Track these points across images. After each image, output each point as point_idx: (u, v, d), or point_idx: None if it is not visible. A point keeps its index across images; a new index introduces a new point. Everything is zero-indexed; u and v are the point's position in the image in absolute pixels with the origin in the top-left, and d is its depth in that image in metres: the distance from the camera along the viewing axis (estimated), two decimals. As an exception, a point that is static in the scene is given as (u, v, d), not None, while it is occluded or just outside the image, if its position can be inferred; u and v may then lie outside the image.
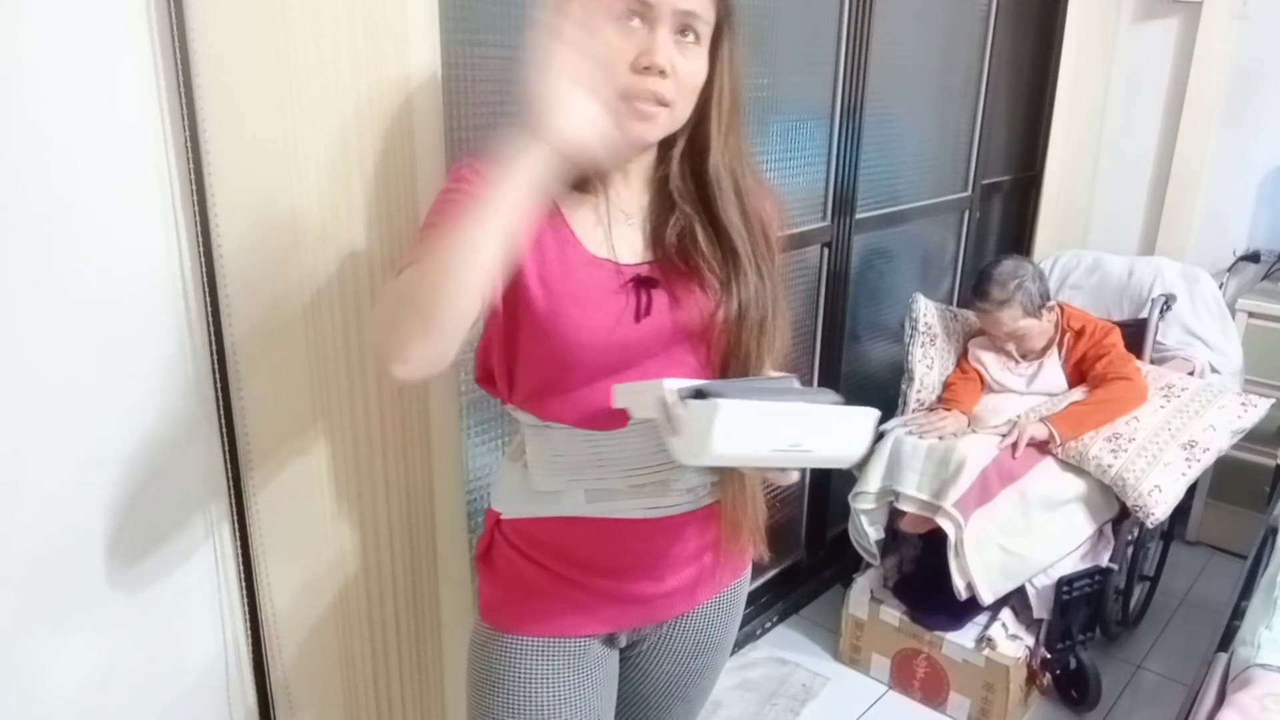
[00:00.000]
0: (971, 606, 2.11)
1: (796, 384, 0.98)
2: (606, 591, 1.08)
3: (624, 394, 0.97)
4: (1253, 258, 3.00)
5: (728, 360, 1.05)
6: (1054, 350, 2.31)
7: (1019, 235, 3.17)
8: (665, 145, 1.03)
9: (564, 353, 0.98)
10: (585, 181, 1.00)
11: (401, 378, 0.87)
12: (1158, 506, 2.02)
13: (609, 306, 0.99)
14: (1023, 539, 2.06)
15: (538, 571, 1.08)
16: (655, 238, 1.04)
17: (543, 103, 0.81)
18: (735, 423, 0.81)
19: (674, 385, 0.87)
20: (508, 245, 0.84)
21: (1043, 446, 2.12)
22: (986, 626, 2.15)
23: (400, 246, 1.19)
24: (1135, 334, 2.49)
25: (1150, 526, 2.13)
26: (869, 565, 2.32)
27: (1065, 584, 2.06)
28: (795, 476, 1.03)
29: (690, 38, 0.95)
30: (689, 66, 0.96)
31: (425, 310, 0.84)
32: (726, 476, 1.08)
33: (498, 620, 1.09)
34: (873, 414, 0.90)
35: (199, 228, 1.06)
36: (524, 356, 1.02)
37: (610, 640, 1.13)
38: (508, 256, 0.84)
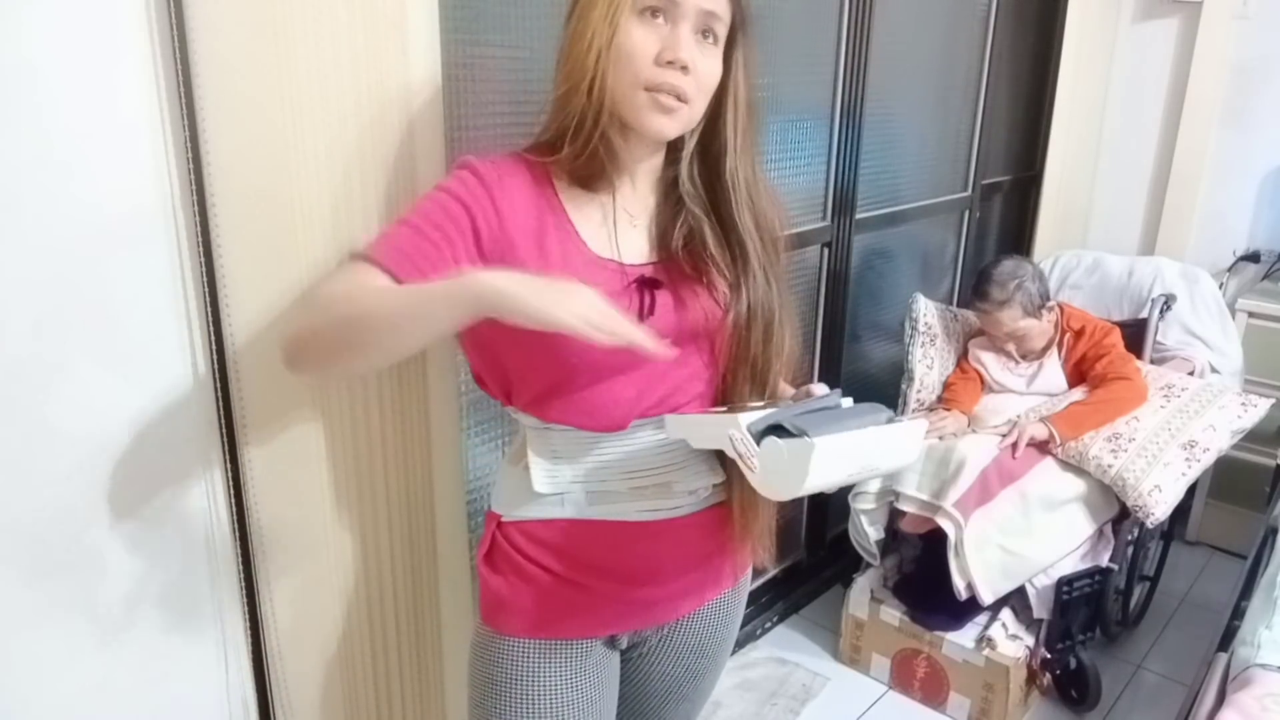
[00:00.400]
0: (971, 606, 2.11)
1: (840, 399, 0.99)
2: (608, 594, 1.08)
3: (681, 425, 0.98)
4: (1253, 258, 3.00)
5: (737, 365, 1.05)
6: (1054, 350, 2.30)
7: (1019, 235, 3.17)
8: (673, 148, 1.04)
9: (567, 355, 0.97)
10: (593, 181, 1.00)
11: (290, 372, 0.96)
12: (1158, 506, 2.02)
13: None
14: (1023, 539, 2.06)
15: (539, 574, 1.07)
16: (661, 239, 1.04)
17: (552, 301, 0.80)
18: (826, 458, 0.85)
19: (745, 421, 0.89)
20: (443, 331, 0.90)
21: (1043, 446, 2.12)
22: (986, 626, 2.15)
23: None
24: (1135, 334, 2.49)
25: (1150, 526, 2.13)
26: (869, 565, 2.32)
27: (1065, 584, 2.06)
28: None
29: (710, 39, 0.97)
30: (707, 66, 0.97)
31: (354, 350, 0.90)
32: (735, 481, 1.07)
33: (499, 623, 1.09)
34: (922, 424, 0.98)
35: (199, 227, 1.06)
36: (526, 361, 1.01)
37: (612, 642, 1.13)
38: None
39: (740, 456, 0.90)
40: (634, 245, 1.03)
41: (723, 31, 0.98)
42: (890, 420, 0.94)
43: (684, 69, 0.94)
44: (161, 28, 0.99)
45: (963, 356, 2.41)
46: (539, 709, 1.07)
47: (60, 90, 0.94)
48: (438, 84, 1.19)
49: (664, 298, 1.01)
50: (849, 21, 2.20)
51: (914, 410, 2.31)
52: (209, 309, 1.08)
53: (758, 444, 0.88)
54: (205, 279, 1.07)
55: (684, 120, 0.98)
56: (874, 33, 2.22)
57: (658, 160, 1.05)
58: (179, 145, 1.03)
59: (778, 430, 0.87)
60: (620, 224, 1.02)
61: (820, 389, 1.05)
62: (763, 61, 2.10)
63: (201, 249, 1.06)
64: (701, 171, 1.05)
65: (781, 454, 0.86)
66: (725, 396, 1.07)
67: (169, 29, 0.99)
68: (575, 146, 0.98)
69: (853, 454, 0.89)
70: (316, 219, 1.11)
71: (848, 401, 0.99)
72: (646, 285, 1.00)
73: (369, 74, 1.11)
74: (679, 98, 0.95)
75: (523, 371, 1.02)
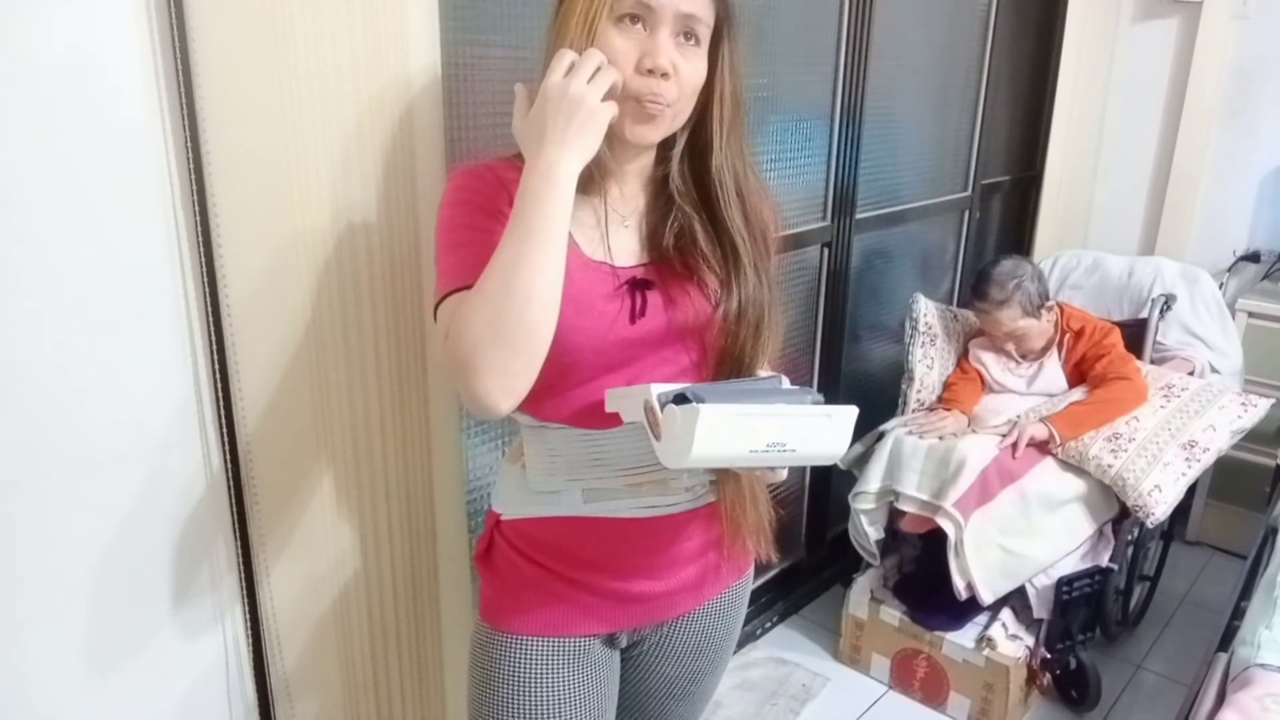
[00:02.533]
0: (971, 606, 2.11)
1: (782, 383, 0.99)
2: (607, 591, 1.08)
3: (615, 398, 0.98)
4: (1253, 258, 3.00)
5: (723, 361, 1.05)
6: (1054, 350, 2.31)
7: (1019, 235, 3.17)
8: (663, 146, 1.04)
9: (560, 354, 0.97)
10: (585, 183, 1.00)
11: (507, 411, 0.90)
12: (1158, 506, 2.02)
13: (605, 309, 0.99)
14: (1023, 539, 2.06)
15: (538, 571, 1.08)
16: (652, 239, 1.04)
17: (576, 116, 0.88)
18: (714, 427, 0.83)
19: (659, 390, 0.88)
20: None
21: (1043, 446, 2.12)
22: (986, 626, 2.15)
23: (400, 246, 1.19)
24: (1135, 334, 2.49)
25: (1150, 526, 2.13)
26: (869, 565, 2.32)
27: (1065, 584, 2.06)
28: (783, 474, 1.04)
29: (691, 41, 0.97)
30: (690, 68, 0.97)
31: (526, 341, 0.87)
32: (724, 476, 1.08)
33: (498, 620, 1.09)
34: (851, 412, 0.91)
35: (199, 228, 1.06)
36: None
37: (611, 640, 1.13)
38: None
39: (649, 425, 0.90)
40: (625, 246, 1.03)
41: (705, 32, 0.98)
42: (815, 403, 0.90)
43: (664, 76, 0.94)
44: (162, 28, 0.99)
45: (963, 356, 2.41)
46: (538, 706, 1.07)
47: (61, 90, 0.94)
48: (438, 84, 1.20)
49: (655, 298, 1.01)
50: (849, 21, 2.20)
51: (914, 410, 2.31)
52: (209, 307, 1.09)
53: (661, 411, 0.87)
54: (206, 278, 1.08)
55: (667, 125, 0.98)
56: (874, 33, 2.22)
57: (646, 160, 1.05)
58: (179, 146, 1.03)
59: (683, 399, 0.86)
60: (612, 225, 1.02)
61: (764, 373, 1.05)
62: (763, 61, 2.10)
63: (202, 248, 1.06)
64: (691, 169, 1.05)
65: (675, 420, 0.85)
66: None
67: (169, 29, 0.99)
68: None
69: (755, 430, 0.86)
70: (318, 219, 1.11)
71: (789, 386, 0.98)
72: (638, 287, 1.01)
73: (369, 74, 1.11)
74: (662, 104, 0.95)
75: None
